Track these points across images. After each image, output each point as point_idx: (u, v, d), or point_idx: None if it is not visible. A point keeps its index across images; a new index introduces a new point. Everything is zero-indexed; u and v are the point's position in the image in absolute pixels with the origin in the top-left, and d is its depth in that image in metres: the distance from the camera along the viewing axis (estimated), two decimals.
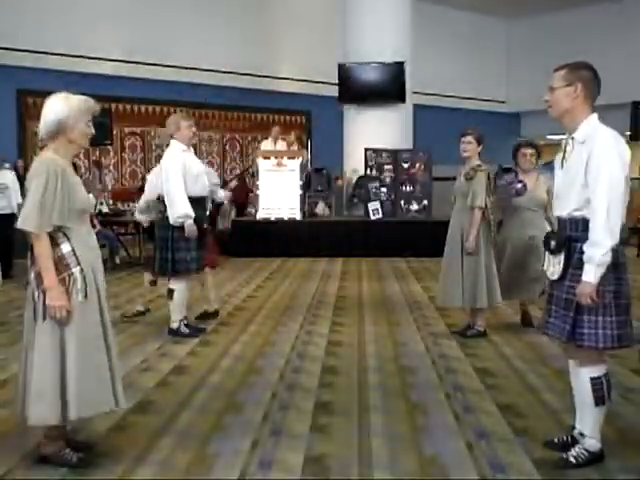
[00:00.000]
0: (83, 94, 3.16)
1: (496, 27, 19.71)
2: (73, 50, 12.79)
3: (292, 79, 15.81)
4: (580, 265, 2.95)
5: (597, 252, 2.87)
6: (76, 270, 3.04)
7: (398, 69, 12.67)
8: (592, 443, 3.11)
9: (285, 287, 8.13)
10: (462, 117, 16.07)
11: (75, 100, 3.11)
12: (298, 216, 11.48)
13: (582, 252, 2.94)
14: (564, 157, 3.10)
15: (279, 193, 11.40)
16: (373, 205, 11.81)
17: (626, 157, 2.92)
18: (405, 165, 11.96)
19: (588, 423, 3.12)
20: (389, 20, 12.61)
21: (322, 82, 15.15)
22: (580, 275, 2.94)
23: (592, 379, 3.04)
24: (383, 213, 11.82)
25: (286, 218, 11.42)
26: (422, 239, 10.83)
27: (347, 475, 3.06)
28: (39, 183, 2.97)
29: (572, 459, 3.10)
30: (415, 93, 13.51)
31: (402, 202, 11.89)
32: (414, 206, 11.88)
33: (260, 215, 11.48)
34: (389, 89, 12.68)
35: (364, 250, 11.01)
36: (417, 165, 11.93)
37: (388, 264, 10.07)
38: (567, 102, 3.01)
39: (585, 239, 2.93)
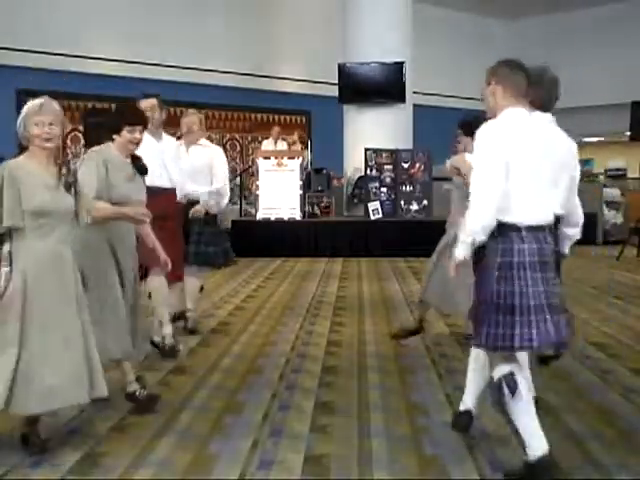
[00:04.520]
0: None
1: (496, 28, 19.70)
2: (73, 50, 12.76)
3: (292, 79, 15.82)
4: (476, 260, 2.93)
5: (464, 232, 2.87)
6: (5, 270, 3.08)
7: (398, 69, 12.68)
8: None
9: (285, 287, 8.13)
10: (462, 117, 16.05)
11: (25, 107, 3.21)
12: (298, 216, 11.48)
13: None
14: None
15: (279, 193, 11.41)
16: (373, 205, 11.82)
17: (498, 141, 2.82)
18: (405, 165, 11.97)
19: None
20: (389, 20, 12.61)
21: (322, 82, 15.16)
22: (477, 268, 2.94)
23: (489, 381, 3.05)
24: (383, 213, 11.82)
25: (286, 218, 11.41)
26: (422, 239, 10.81)
27: (347, 475, 3.06)
28: None
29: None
30: (415, 93, 13.51)
31: (402, 202, 11.90)
32: (414, 206, 11.88)
33: (260, 215, 11.48)
34: (389, 89, 12.68)
35: (364, 250, 11.01)
36: (417, 165, 11.94)
37: (388, 264, 10.07)
38: (490, 100, 3.06)
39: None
